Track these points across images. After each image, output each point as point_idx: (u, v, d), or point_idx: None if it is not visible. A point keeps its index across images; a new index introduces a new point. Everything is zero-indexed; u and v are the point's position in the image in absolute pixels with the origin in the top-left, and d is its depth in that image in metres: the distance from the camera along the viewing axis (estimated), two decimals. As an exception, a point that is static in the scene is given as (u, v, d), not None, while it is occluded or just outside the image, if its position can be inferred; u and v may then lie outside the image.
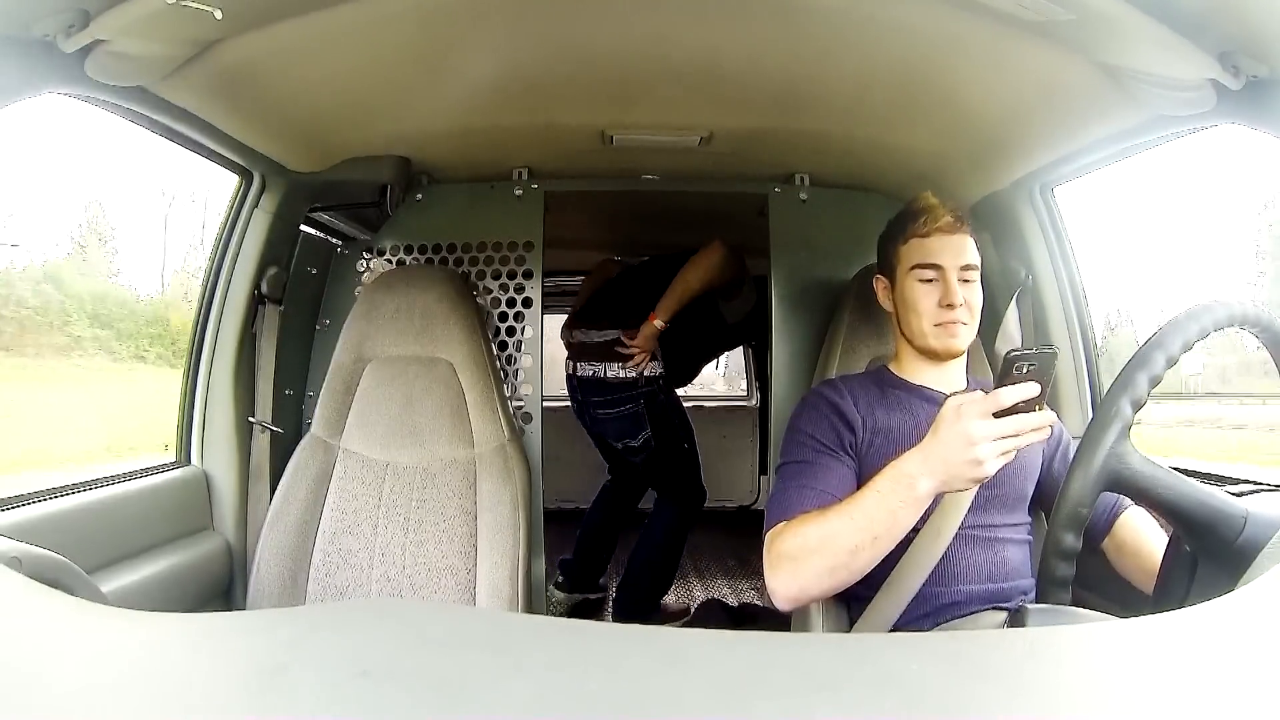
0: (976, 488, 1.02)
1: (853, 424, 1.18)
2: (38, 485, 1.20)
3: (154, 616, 0.54)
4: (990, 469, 0.91)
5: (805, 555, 1.01)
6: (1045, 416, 0.91)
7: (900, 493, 0.96)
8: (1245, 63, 0.90)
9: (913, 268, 1.22)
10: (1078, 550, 0.86)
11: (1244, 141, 1.02)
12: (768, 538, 1.08)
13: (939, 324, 1.20)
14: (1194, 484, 0.86)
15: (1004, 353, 0.91)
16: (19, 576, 0.59)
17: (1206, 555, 0.85)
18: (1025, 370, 0.89)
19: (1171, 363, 0.84)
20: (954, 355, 1.23)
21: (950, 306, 1.18)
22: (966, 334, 1.21)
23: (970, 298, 1.20)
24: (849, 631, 1.15)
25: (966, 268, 1.20)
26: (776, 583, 1.04)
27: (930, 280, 1.20)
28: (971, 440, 0.90)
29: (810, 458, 1.15)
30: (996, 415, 0.90)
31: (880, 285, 1.30)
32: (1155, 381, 0.84)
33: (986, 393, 1.23)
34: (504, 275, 1.83)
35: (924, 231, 1.21)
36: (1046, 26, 1.01)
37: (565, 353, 2.51)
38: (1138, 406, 0.84)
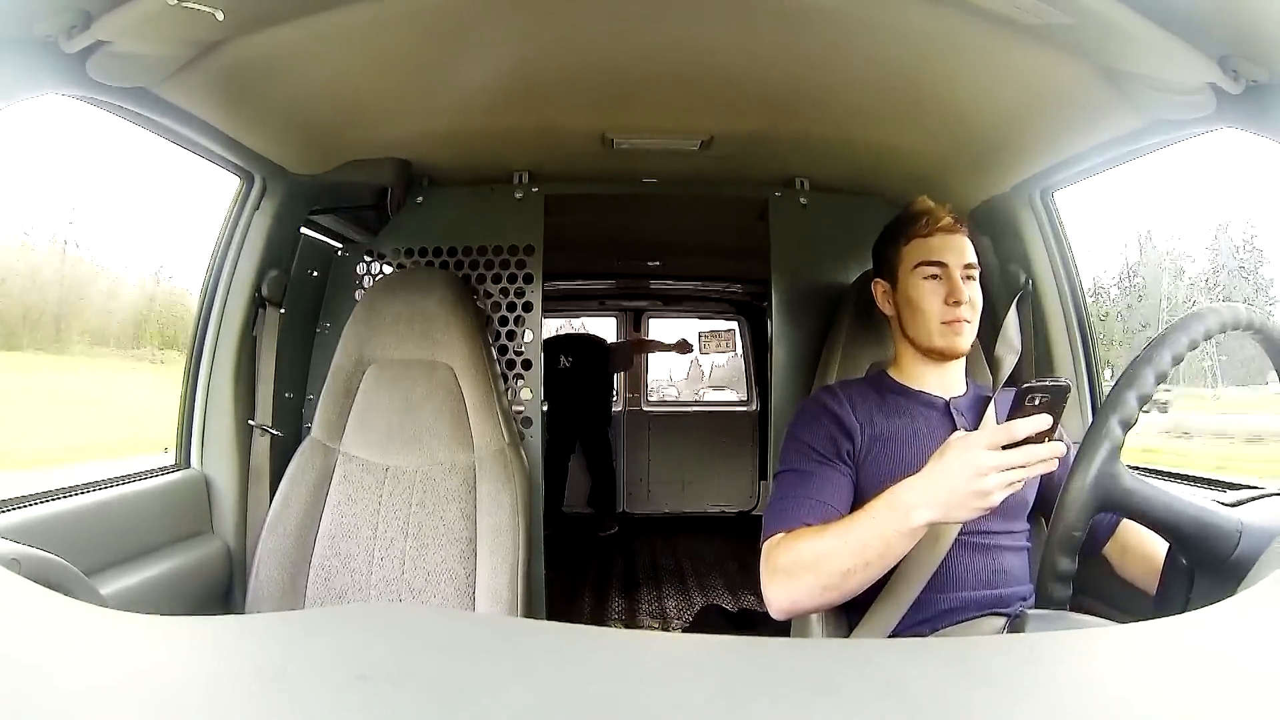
0: None
1: (851, 432, 1.18)
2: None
3: (153, 619, 0.54)
4: (996, 500, 0.91)
5: (799, 572, 1.01)
6: (1055, 448, 0.90)
7: (896, 522, 0.95)
8: (1245, 67, 0.90)
9: (917, 265, 1.21)
10: (1073, 573, 0.85)
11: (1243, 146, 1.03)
12: (765, 547, 1.08)
13: (945, 321, 1.19)
14: (1187, 500, 0.85)
15: (1019, 387, 0.91)
16: (18, 578, 0.59)
17: (1203, 569, 0.85)
18: (1038, 402, 0.89)
19: (1162, 379, 0.84)
20: (958, 354, 1.22)
21: (957, 303, 1.18)
22: (970, 332, 1.21)
23: (973, 296, 1.20)
24: (848, 637, 1.15)
25: (969, 266, 1.21)
26: (771, 594, 1.04)
27: (935, 277, 1.20)
28: (981, 471, 0.89)
29: (808, 467, 1.15)
30: (1006, 447, 0.90)
31: (879, 289, 1.29)
32: (1145, 399, 0.84)
33: (986, 398, 1.24)
34: (504, 279, 1.83)
35: (926, 231, 1.22)
36: (1046, 31, 1.01)
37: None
38: (1128, 426, 0.84)
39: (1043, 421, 0.89)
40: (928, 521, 0.94)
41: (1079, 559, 0.87)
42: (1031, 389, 0.89)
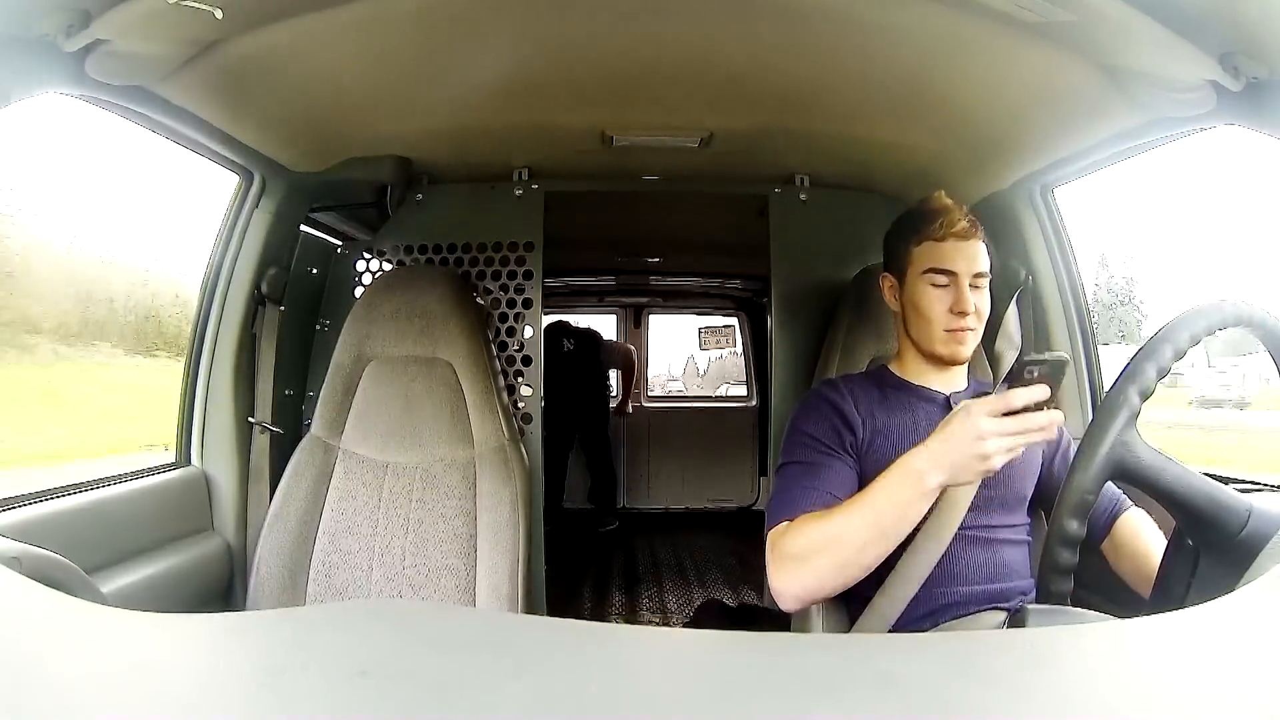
0: (976, 487, 1.02)
1: (853, 424, 1.18)
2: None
3: (153, 617, 0.54)
4: (996, 464, 0.93)
5: (812, 554, 1.01)
6: (1052, 416, 0.92)
7: (909, 487, 0.97)
8: (1245, 64, 0.90)
9: (925, 271, 1.19)
10: (1082, 538, 0.86)
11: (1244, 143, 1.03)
12: (770, 538, 1.08)
13: (949, 330, 1.18)
14: (1199, 476, 0.86)
15: (1017, 358, 0.93)
16: (19, 577, 0.59)
17: (1209, 549, 0.86)
18: (1036, 374, 0.92)
19: (1179, 356, 0.85)
20: (959, 362, 1.22)
21: (962, 314, 1.16)
22: (974, 340, 1.20)
23: (980, 305, 1.18)
24: (849, 632, 1.15)
25: (979, 275, 1.18)
26: (782, 583, 1.04)
27: (943, 285, 1.18)
28: (981, 435, 0.92)
29: (811, 458, 1.15)
30: (1005, 415, 0.92)
31: (887, 283, 1.27)
32: (1163, 373, 0.85)
33: (987, 394, 1.24)
34: (504, 276, 1.83)
35: (939, 235, 1.18)
36: (1047, 28, 1.01)
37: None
38: (1145, 396, 0.85)
39: (1040, 392, 0.92)
40: (940, 484, 0.97)
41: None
42: (1030, 361, 0.92)
